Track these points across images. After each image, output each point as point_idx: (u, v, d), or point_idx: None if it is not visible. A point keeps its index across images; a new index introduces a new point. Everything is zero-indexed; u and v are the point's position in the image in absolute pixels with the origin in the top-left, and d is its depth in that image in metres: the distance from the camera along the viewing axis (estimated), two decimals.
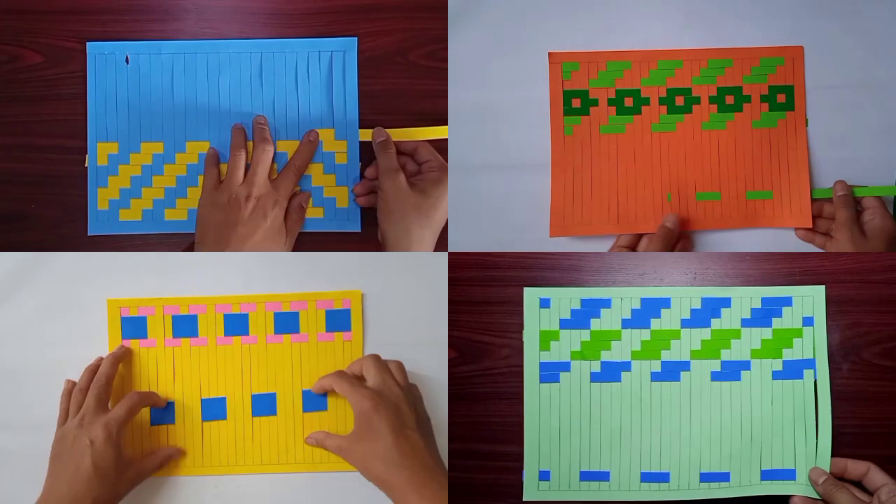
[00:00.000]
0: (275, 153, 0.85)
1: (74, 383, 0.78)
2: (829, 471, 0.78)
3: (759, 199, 0.87)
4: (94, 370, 0.78)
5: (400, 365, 0.77)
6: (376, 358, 0.77)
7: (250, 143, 0.85)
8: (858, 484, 0.76)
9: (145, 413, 0.80)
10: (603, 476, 0.80)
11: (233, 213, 0.81)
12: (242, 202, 0.81)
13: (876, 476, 0.75)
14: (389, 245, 0.81)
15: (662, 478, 0.80)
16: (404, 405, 0.73)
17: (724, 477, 0.79)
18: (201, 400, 0.81)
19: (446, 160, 0.86)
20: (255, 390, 0.81)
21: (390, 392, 0.74)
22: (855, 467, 0.76)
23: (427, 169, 0.84)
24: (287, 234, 0.83)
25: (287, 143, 0.86)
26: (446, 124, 0.87)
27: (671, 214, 0.86)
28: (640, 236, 0.86)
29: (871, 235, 0.83)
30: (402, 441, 0.71)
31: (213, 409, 0.81)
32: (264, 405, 0.81)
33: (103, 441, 0.73)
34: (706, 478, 0.79)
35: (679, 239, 0.86)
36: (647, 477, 0.80)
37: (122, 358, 0.80)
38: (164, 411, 0.80)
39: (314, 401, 0.81)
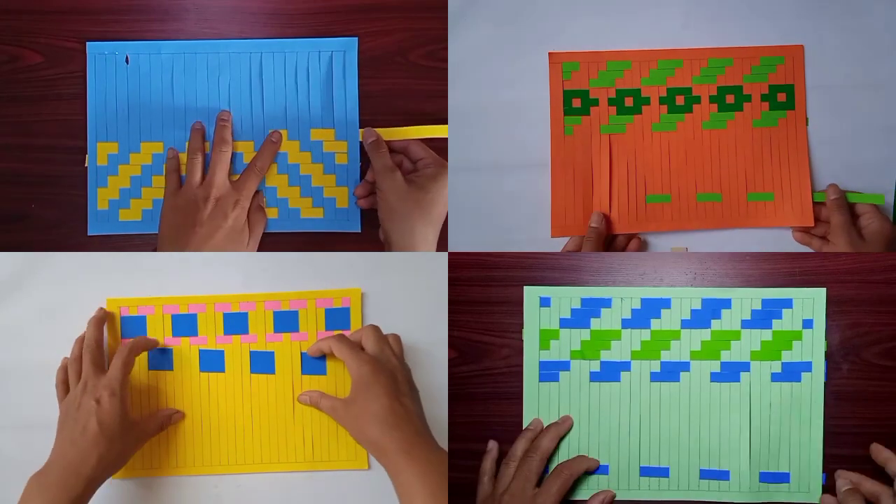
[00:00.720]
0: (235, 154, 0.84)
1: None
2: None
3: (760, 200, 0.87)
4: (83, 340, 0.78)
5: (397, 338, 0.78)
6: (376, 329, 0.77)
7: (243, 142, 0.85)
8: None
9: (143, 364, 0.80)
10: (602, 471, 0.80)
11: (191, 216, 0.81)
12: (201, 204, 0.81)
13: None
14: (393, 244, 0.81)
15: (662, 472, 0.80)
16: (400, 375, 0.74)
17: (723, 475, 0.79)
18: (199, 351, 0.81)
19: (446, 160, 0.85)
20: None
21: (388, 361, 0.75)
22: (871, 487, 0.75)
23: (423, 166, 0.84)
24: (250, 234, 0.83)
25: (287, 144, 0.86)
26: (446, 124, 0.86)
27: (595, 213, 0.86)
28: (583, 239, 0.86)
29: (870, 239, 0.83)
30: (397, 406, 0.72)
31: (212, 361, 0.81)
32: (263, 362, 0.81)
33: (108, 399, 0.73)
34: (706, 475, 0.79)
35: (629, 239, 0.86)
36: (646, 472, 0.80)
37: (105, 320, 0.80)
38: (161, 358, 0.81)
39: (313, 364, 0.81)
